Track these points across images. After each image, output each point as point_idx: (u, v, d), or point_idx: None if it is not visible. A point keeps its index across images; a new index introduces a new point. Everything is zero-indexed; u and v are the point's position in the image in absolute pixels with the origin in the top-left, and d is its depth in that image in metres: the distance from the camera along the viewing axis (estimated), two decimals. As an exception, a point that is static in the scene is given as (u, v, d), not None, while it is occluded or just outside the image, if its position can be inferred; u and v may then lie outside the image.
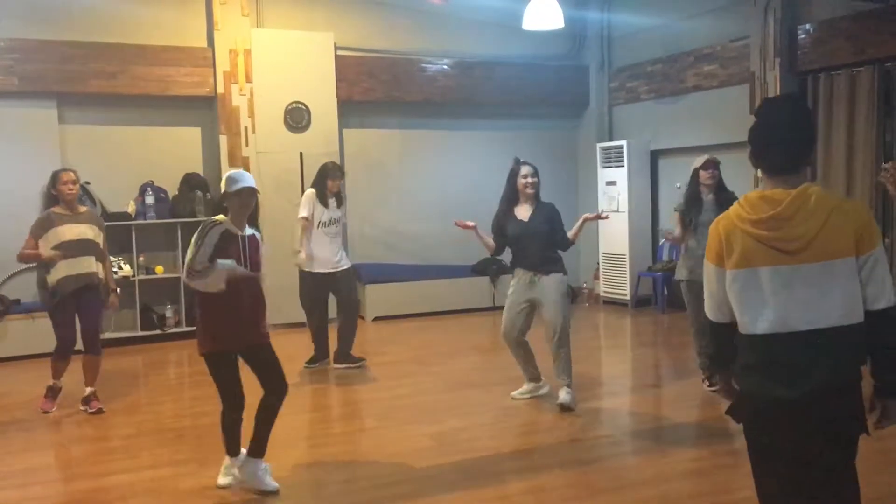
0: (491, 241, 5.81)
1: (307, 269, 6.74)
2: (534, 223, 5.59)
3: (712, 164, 5.87)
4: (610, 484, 4.21)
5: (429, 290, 9.65)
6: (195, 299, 4.13)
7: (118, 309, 6.27)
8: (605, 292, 10.24)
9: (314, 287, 6.79)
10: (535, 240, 5.56)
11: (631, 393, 6.18)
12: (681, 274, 5.96)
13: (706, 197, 5.85)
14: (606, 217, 6.09)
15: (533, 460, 4.66)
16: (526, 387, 5.87)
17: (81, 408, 5.81)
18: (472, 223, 5.69)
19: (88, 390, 5.84)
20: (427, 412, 5.66)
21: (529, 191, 5.62)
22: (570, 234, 5.65)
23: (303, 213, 6.73)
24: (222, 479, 4.19)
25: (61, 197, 5.70)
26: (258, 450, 4.16)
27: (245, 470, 4.18)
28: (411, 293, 9.52)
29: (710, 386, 5.75)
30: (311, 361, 6.89)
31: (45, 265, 5.64)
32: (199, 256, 3.92)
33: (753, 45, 8.34)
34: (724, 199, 5.75)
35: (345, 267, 6.85)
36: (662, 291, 9.52)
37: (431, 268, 9.89)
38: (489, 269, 9.97)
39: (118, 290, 6.09)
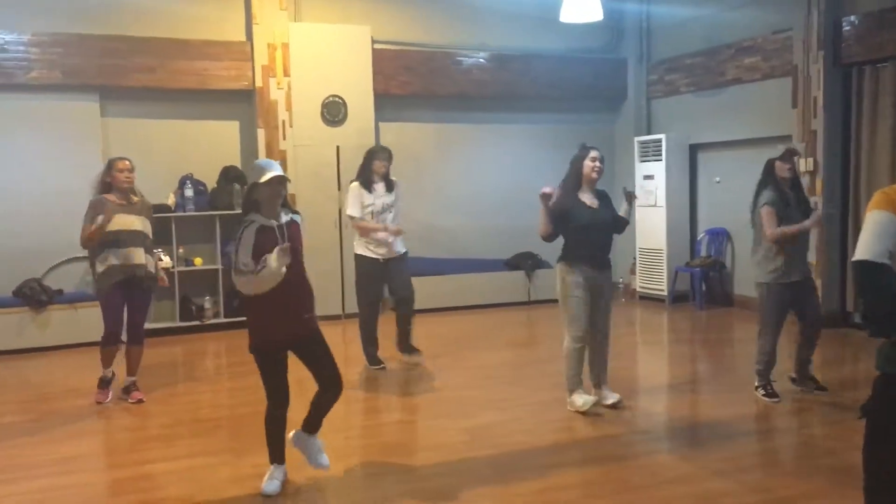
0: (550, 225, 5.27)
1: (360, 253, 6.53)
2: (602, 212, 5.33)
3: (790, 157, 5.48)
4: (645, 481, 4.17)
5: (463, 285, 9.65)
6: (241, 298, 4.08)
7: (165, 283, 6.29)
8: (641, 287, 10.15)
9: (372, 275, 6.56)
10: (604, 229, 5.32)
11: (667, 390, 6.11)
12: (765, 276, 5.46)
13: (786, 191, 5.48)
14: (636, 197, 5.63)
15: (568, 456, 4.63)
16: (588, 397, 5.39)
17: (122, 396, 5.91)
18: (550, 189, 5.20)
19: (129, 380, 5.93)
20: (461, 406, 5.65)
21: (595, 175, 5.31)
22: (621, 214, 5.46)
23: (350, 211, 6.50)
24: (267, 486, 4.06)
25: (116, 185, 5.71)
26: (312, 427, 4.18)
27: (300, 442, 4.19)
28: (446, 287, 9.52)
29: (768, 396, 5.49)
30: (374, 362, 6.67)
31: (96, 253, 5.68)
32: (241, 258, 3.91)
33: (796, 37, 8.19)
34: (803, 195, 5.51)
35: (400, 251, 6.61)
36: (700, 287, 9.40)
37: (466, 262, 9.88)
38: (524, 263, 9.94)
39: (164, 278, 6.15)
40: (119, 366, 5.96)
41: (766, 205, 5.43)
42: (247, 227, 3.97)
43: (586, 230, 5.26)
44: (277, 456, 4.13)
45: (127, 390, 5.91)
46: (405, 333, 6.77)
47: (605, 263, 5.41)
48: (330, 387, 4.12)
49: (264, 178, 3.94)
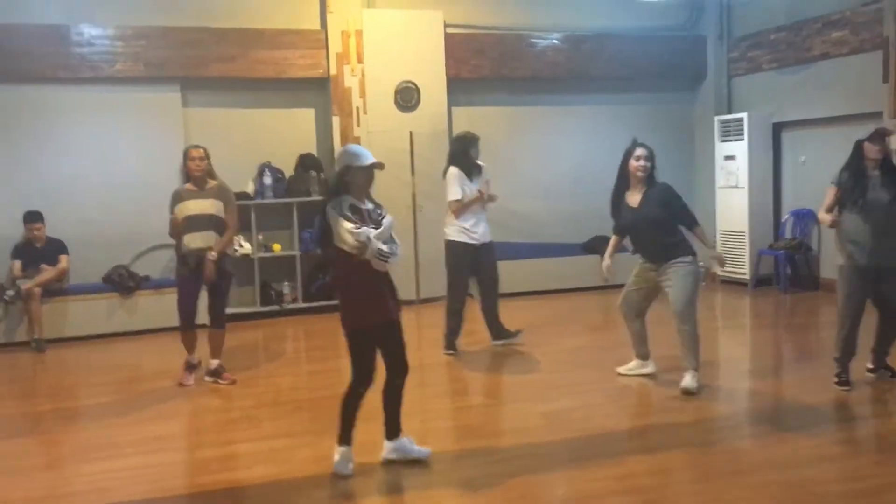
0: (613, 241, 5.70)
1: (455, 239, 6.54)
2: (644, 210, 5.37)
3: (880, 137, 5.19)
4: (730, 467, 4.07)
5: (539, 269, 9.58)
6: (336, 280, 4.14)
7: (212, 279, 5.87)
8: (722, 271, 9.89)
9: (465, 263, 6.59)
10: (648, 227, 5.35)
11: (750, 375, 5.95)
12: (840, 258, 5.31)
13: (872, 172, 5.20)
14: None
15: (648, 441, 4.56)
16: (633, 363, 5.80)
17: (208, 379, 6.07)
18: (607, 263, 5.66)
19: (215, 363, 6.09)
20: (538, 390, 5.62)
21: (640, 174, 5.38)
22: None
23: (453, 195, 6.48)
24: (341, 468, 4.13)
25: (189, 173, 5.94)
26: (394, 430, 4.26)
27: (396, 451, 4.27)
28: (521, 272, 9.44)
29: (840, 384, 5.30)
30: (451, 347, 6.68)
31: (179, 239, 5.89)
32: (347, 227, 3.93)
33: (887, 8, 7.82)
34: (894, 176, 5.22)
35: (489, 240, 6.68)
36: (785, 270, 9.12)
37: (542, 246, 9.79)
38: (601, 247, 9.74)
39: (220, 259, 5.90)
40: (203, 349, 6.14)
41: (832, 183, 5.32)
42: (342, 201, 4.00)
43: (631, 229, 5.49)
44: (346, 437, 4.16)
45: (215, 373, 6.08)
46: (493, 320, 6.79)
47: (660, 257, 5.39)
48: (399, 372, 4.19)
49: (363, 163, 4.02)
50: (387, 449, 4.28)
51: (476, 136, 6.71)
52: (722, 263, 5.68)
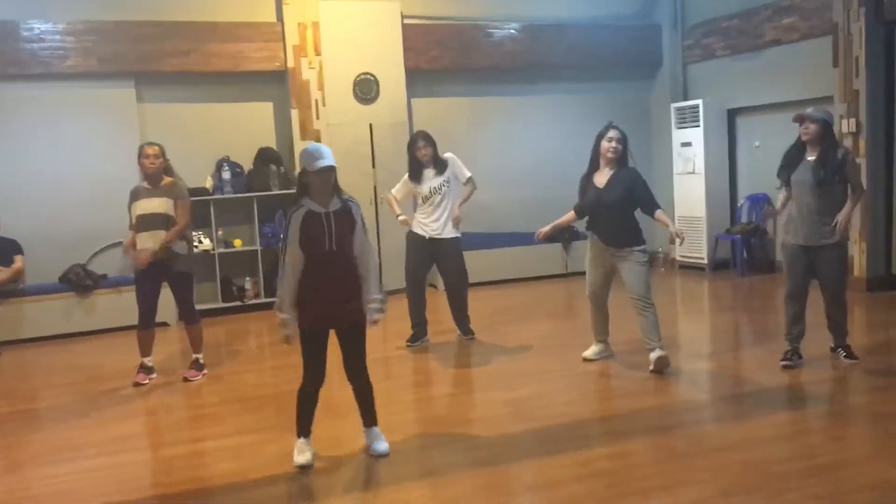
0: (567, 216, 5.79)
1: (410, 229, 6.60)
2: (608, 191, 5.48)
3: (801, 119, 5.32)
4: (691, 449, 4.15)
5: (500, 258, 9.63)
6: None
7: (142, 265, 5.74)
8: (681, 256, 10.05)
9: (416, 250, 6.60)
10: (609, 209, 5.47)
11: (710, 358, 6.05)
12: (781, 237, 5.64)
13: (809, 156, 5.33)
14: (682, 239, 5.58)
15: (611, 426, 4.63)
16: (595, 347, 5.92)
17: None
18: (545, 229, 5.79)
19: (193, 356, 6.12)
20: (502, 379, 5.67)
21: (610, 155, 5.48)
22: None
23: (392, 190, 6.74)
24: (299, 458, 4.17)
25: (142, 170, 5.86)
26: (368, 419, 4.33)
27: (366, 436, 4.34)
28: (482, 262, 9.48)
29: (783, 360, 5.47)
30: (412, 339, 6.68)
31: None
32: (289, 248, 4.02)
33: (835, -6, 7.98)
34: (830, 158, 5.23)
35: (449, 236, 6.59)
36: (742, 254, 9.28)
37: (502, 236, 9.85)
38: (561, 236, 9.86)
39: (161, 252, 5.75)
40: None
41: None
42: (296, 212, 4.06)
43: (592, 208, 5.59)
44: (304, 430, 4.22)
45: (192, 364, 6.12)
46: (458, 317, 6.81)
47: (616, 241, 5.51)
48: (351, 377, 4.25)
49: (314, 167, 4.00)
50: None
51: (418, 133, 6.61)
52: (681, 238, 5.52)
